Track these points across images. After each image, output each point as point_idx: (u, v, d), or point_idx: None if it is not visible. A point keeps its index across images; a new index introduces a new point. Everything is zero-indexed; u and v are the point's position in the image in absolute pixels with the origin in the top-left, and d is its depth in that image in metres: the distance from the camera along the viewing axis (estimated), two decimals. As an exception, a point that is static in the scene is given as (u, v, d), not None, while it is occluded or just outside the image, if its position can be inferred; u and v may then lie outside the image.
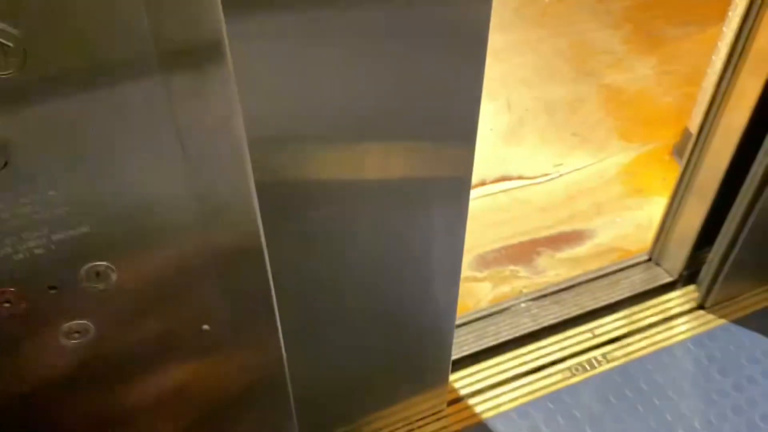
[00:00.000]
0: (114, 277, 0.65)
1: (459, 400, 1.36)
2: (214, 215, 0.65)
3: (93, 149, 0.57)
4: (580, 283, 1.52)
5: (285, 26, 0.64)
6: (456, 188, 0.89)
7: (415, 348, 1.17)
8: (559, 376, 1.39)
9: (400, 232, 0.92)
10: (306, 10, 0.65)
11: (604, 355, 1.42)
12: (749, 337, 1.45)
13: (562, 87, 2.04)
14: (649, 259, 1.56)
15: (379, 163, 0.82)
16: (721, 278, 1.45)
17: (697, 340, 1.44)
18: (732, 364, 1.40)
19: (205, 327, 0.73)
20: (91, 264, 0.63)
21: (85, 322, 0.66)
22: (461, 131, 0.82)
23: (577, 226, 1.66)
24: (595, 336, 1.45)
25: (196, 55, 0.54)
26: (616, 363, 1.40)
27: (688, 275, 1.53)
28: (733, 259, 1.41)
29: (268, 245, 0.72)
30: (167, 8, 0.51)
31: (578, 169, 1.79)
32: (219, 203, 0.64)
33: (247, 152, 0.61)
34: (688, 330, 1.46)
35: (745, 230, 1.36)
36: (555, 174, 1.78)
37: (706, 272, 1.48)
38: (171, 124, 0.57)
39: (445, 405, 1.34)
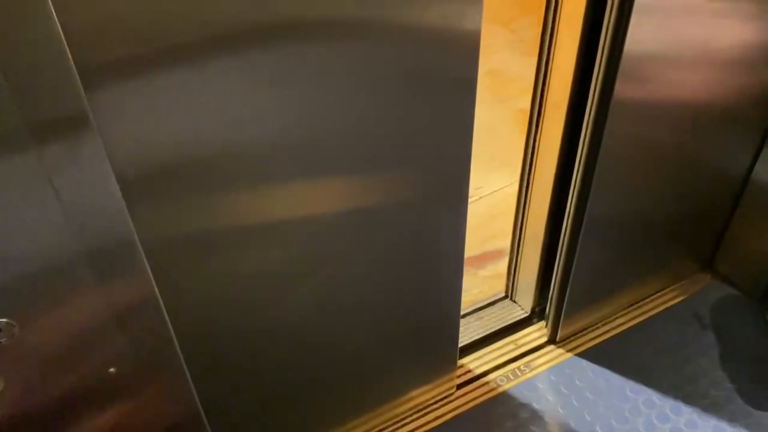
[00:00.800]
0: (16, 331, 0.71)
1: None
2: (105, 269, 0.71)
3: (-17, 217, 0.64)
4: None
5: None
6: (456, 198, 1.13)
7: (426, 336, 1.30)
8: (485, 388, 1.46)
9: (413, 237, 1.12)
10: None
11: (527, 364, 1.51)
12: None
13: (480, 114, 2.15)
14: (506, 297, 1.62)
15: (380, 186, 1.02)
16: (562, 316, 1.48)
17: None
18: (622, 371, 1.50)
19: (112, 370, 0.79)
20: (-9, 321, 0.68)
21: (-8, 375, 0.72)
22: (458, 152, 1.12)
23: (499, 244, 1.76)
24: (517, 347, 1.53)
25: (64, 127, 0.61)
26: (537, 371, 1.49)
27: (540, 310, 1.58)
28: (568, 299, 1.44)
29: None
30: (31, 89, 0.58)
31: (497, 191, 1.89)
32: (107, 258, 0.71)
33: (125, 208, 0.68)
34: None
35: (572, 273, 1.38)
36: (476, 197, 1.88)
37: (549, 310, 1.51)
38: (50, 190, 0.64)
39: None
